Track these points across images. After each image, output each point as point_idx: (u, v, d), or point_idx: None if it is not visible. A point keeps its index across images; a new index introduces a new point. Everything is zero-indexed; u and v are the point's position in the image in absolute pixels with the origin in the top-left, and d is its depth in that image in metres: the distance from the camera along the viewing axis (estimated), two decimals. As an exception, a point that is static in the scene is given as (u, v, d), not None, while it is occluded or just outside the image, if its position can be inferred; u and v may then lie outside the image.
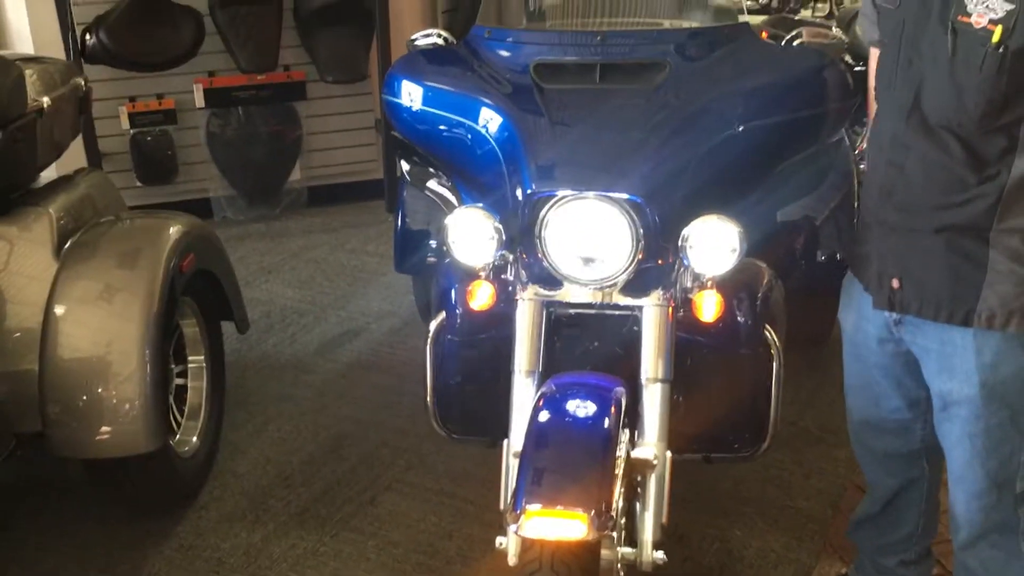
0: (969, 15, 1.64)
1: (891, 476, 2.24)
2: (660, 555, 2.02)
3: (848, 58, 4.65)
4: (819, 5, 9.76)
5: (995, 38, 1.60)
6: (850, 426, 2.28)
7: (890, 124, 1.84)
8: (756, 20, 5.15)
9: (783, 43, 2.83)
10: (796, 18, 6.75)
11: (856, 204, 3.02)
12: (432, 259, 3.06)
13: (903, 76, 1.80)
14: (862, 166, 4.38)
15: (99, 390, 2.50)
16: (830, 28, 3.59)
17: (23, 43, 4.52)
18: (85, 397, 2.49)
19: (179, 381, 2.97)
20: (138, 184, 4.94)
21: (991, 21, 1.60)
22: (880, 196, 1.88)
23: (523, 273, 2.18)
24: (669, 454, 2.08)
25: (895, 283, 1.88)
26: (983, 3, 1.63)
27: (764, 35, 3.91)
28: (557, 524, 1.76)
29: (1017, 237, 1.75)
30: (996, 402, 1.83)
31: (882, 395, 2.12)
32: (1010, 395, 1.83)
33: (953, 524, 2.03)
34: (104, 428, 2.50)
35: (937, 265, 1.81)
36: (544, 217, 2.10)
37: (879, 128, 1.92)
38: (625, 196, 2.07)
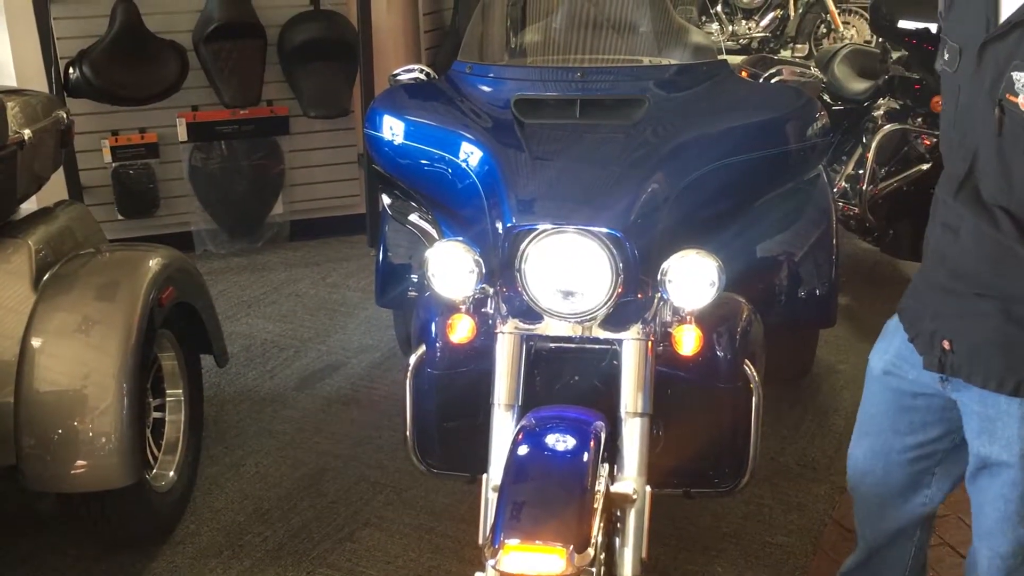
0: (1017, 95, 1.56)
1: (884, 525, 2.19)
2: (639, 590, 2.01)
3: (826, 96, 4.73)
4: (798, 46, 9.94)
5: None
6: (852, 471, 2.19)
7: (944, 190, 1.78)
8: (736, 60, 5.21)
9: (761, 80, 2.86)
10: (775, 58, 6.86)
11: (834, 241, 3.05)
12: (413, 293, 3.07)
13: (958, 146, 1.73)
14: (840, 203, 4.45)
15: (75, 423, 2.48)
16: (808, 67, 3.65)
17: (6, 76, 4.53)
18: (61, 430, 2.47)
19: (157, 415, 2.94)
20: (119, 217, 4.93)
21: None
22: (934, 258, 1.82)
23: (503, 307, 2.18)
24: (648, 488, 2.07)
25: (946, 344, 1.82)
26: None
27: (744, 74, 3.96)
28: (536, 559, 1.75)
29: None
30: None
31: (897, 439, 2.05)
32: None
33: (970, 574, 2.01)
34: (80, 462, 2.48)
35: (990, 332, 1.75)
36: (524, 251, 2.10)
37: (942, 186, 1.82)
38: (605, 230, 2.09)
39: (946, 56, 1.73)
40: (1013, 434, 1.77)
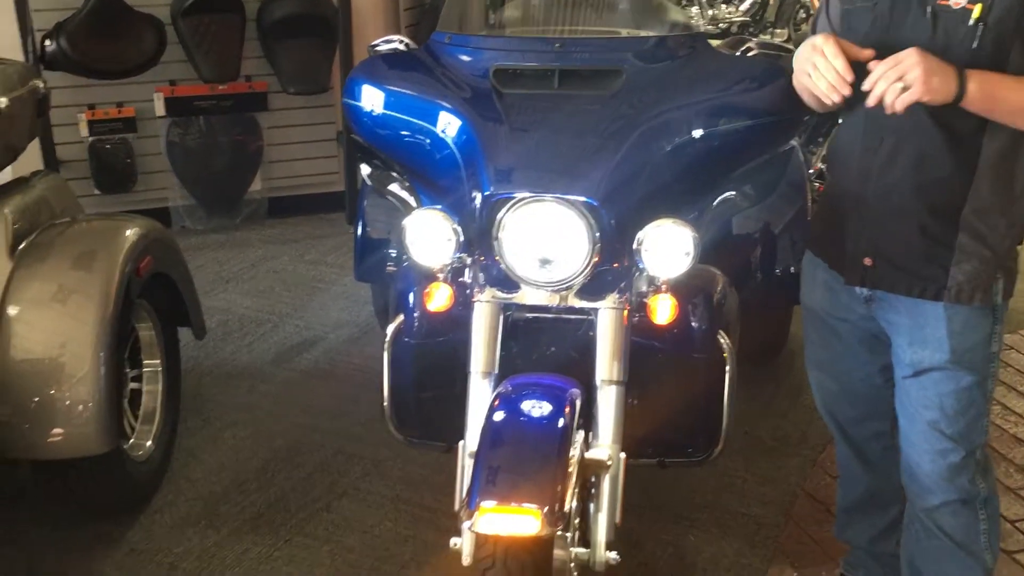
0: None
1: (867, 443, 2.34)
2: (613, 555, 2.04)
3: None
4: (777, 31, 9.96)
5: (976, 14, 1.82)
6: (821, 402, 2.38)
7: (866, 113, 1.95)
8: (715, 43, 5.21)
9: (737, 54, 2.88)
10: (754, 40, 6.88)
11: (808, 219, 3.08)
12: (392, 267, 3.07)
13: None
14: (816, 184, 4.47)
15: (51, 391, 2.48)
16: (785, 47, 3.66)
17: (-19, 48, 4.48)
18: (37, 398, 2.47)
19: (134, 385, 2.94)
20: (96, 192, 4.90)
21: (970, 1, 1.83)
22: (858, 181, 2.01)
23: (480, 275, 2.19)
24: (623, 455, 2.09)
25: (867, 261, 2.02)
26: None
27: (721, 51, 3.96)
28: (511, 520, 1.78)
29: (979, 217, 1.92)
30: (965, 367, 1.99)
31: (856, 364, 2.23)
32: (976, 361, 2.00)
33: (917, 488, 2.11)
34: (56, 429, 2.48)
35: (909, 246, 1.97)
36: (501, 219, 2.12)
37: (852, 121, 2.06)
38: (582, 199, 2.10)
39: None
40: (942, 335, 1.98)
